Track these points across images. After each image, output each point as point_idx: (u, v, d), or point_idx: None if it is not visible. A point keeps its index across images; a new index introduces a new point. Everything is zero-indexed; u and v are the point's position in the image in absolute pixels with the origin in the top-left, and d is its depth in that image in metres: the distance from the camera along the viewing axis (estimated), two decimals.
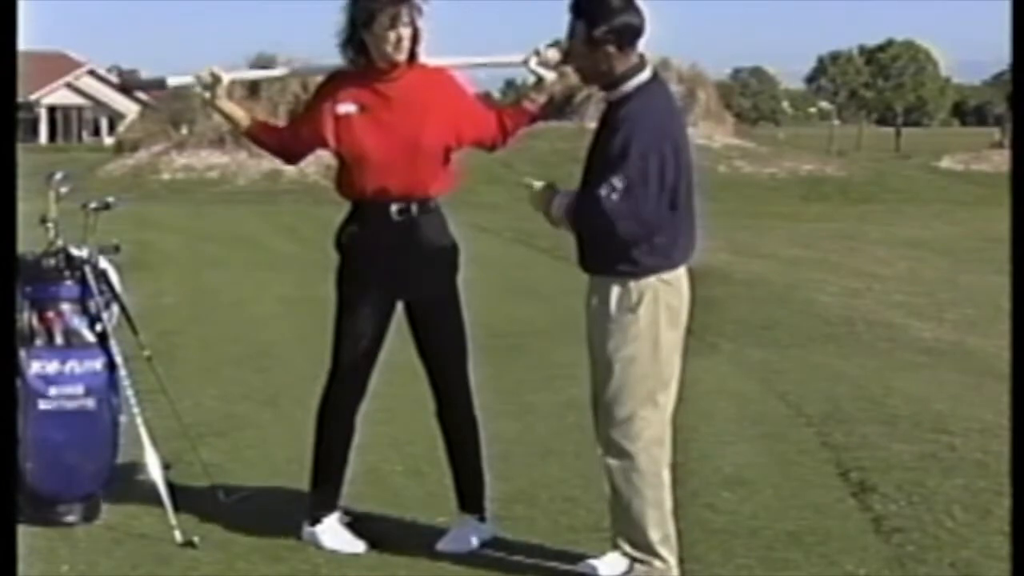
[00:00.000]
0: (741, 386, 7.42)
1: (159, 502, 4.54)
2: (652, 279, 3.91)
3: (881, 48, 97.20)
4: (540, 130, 33.75)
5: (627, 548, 4.03)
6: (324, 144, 4.32)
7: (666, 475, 4.04)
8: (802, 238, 18.38)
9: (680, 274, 4.01)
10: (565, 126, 33.50)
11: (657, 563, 4.02)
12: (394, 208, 4.27)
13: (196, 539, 4.43)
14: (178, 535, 4.44)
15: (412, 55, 4.24)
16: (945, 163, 37.95)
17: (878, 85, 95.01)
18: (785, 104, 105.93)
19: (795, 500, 5.09)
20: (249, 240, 17.51)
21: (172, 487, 4.62)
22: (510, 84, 55.11)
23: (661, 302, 3.94)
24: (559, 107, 35.02)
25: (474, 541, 4.46)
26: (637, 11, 3.89)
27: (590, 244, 3.99)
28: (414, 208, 4.29)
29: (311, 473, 4.52)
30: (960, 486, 5.21)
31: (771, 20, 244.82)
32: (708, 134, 33.16)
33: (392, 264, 4.29)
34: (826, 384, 7.38)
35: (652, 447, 3.99)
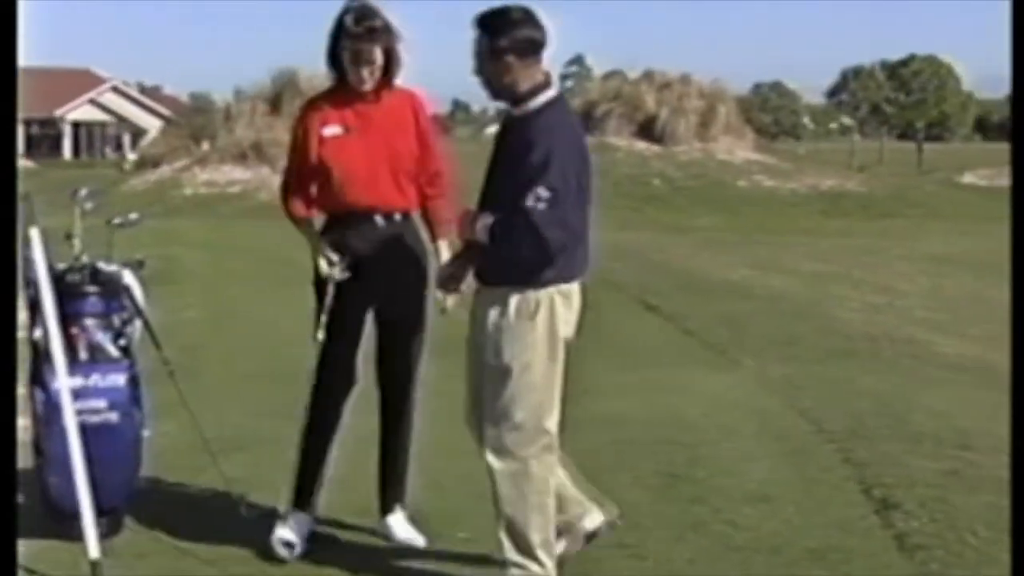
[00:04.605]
0: (763, 402, 7.40)
1: (182, 516, 4.55)
2: (551, 289, 4.00)
3: (903, 63, 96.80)
4: None
5: (508, 552, 4.07)
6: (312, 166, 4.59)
7: (552, 481, 4.11)
8: (823, 253, 18.31)
9: (575, 289, 4.10)
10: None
11: (534, 567, 4.06)
12: (379, 218, 4.56)
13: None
14: (199, 550, 4.46)
15: (387, 79, 4.51)
16: (967, 178, 37.82)
17: (900, 100, 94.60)
18: (806, 119, 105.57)
19: (818, 517, 5.07)
20: (271, 255, 17.51)
21: (195, 502, 4.63)
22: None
23: (558, 314, 4.02)
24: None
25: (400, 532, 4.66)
26: (538, 25, 4.04)
27: (497, 255, 4.01)
28: (397, 218, 4.60)
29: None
30: (984, 503, 5.18)
31: (792, 35, 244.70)
32: (729, 149, 33.07)
33: (372, 273, 4.56)
34: (848, 400, 7.36)
35: (544, 454, 4.06)
